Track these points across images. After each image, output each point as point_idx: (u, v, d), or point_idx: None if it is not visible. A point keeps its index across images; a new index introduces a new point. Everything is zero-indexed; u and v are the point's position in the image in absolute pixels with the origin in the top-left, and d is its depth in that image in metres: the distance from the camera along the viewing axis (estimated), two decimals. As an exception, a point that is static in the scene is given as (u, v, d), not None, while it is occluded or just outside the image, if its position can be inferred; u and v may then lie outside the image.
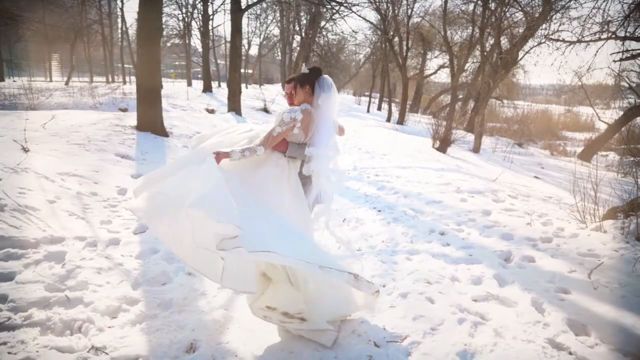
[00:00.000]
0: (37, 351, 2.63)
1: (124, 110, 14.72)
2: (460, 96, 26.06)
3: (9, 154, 5.64)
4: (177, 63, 51.98)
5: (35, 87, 17.96)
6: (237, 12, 14.75)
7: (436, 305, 3.33)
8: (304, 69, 3.01)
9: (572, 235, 4.76)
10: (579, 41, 7.99)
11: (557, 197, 7.22)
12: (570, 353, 2.78)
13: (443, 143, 12.42)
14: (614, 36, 7.18)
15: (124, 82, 31.49)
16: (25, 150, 5.93)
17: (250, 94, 27.27)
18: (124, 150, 7.14)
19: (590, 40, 7.82)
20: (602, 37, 7.48)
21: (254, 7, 27.72)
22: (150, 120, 8.74)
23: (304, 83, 2.93)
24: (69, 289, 3.33)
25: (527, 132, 21.09)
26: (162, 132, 8.88)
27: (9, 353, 2.58)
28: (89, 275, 3.54)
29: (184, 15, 30.89)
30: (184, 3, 29.94)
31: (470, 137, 15.89)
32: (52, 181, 5.18)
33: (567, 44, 8.31)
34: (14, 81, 25.28)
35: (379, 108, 33.42)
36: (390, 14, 22.25)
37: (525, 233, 4.84)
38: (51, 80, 31.04)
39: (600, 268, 3.88)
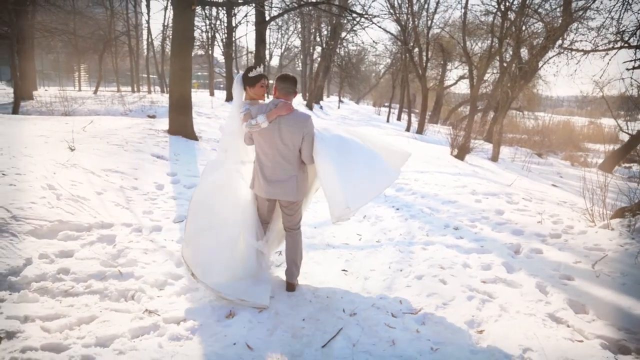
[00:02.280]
0: (100, 312, 3.07)
1: (153, 117, 15.36)
2: (480, 107, 26.17)
3: (58, 152, 6.18)
4: (199, 73, 53.07)
5: (68, 96, 18.82)
6: (261, 24, 15.36)
7: (448, 286, 3.68)
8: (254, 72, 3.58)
9: (580, 232, 5.04)
10: (594, 50, 8.23)
11: (572, 202, 7.43)
12: (568, 326, 3.10)
13: (461, 151, 12.69)
14: (626, 45, 7.43)
15: (149, 92, 32.49)
16: (72, 149, 6.47)
17: (271, 103, 27.82)
18: (158, 151, 7.65)
19: (605, 50, 8.06)
20: (616, 46, 7.74)
21: (275, 19, 28.42)
22: (181, 125, 9.26)
23: None
24: (120, 265, 3.78)
25: (547, 143, 21.11)
26: (192, 136, 9.39)
27: (77, 311, 3.03)
28: (137, 254, 4.00)
29: (208, 27, 31.77)
30: (207, 15, 30.80)
31: (489, 146, 16.09)
32: (98, 176, 5.69)
33: (582, 53, 8.55)
34: (46, 90, 26.43)
35: (399, 118, 33.76)
36: (410, 25, 22.63)
37: (535, 229, 5.14)
38: (80, 90, 32.20)
39: (604, 260, 4.16)
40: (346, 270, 4.15)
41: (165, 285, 3.57)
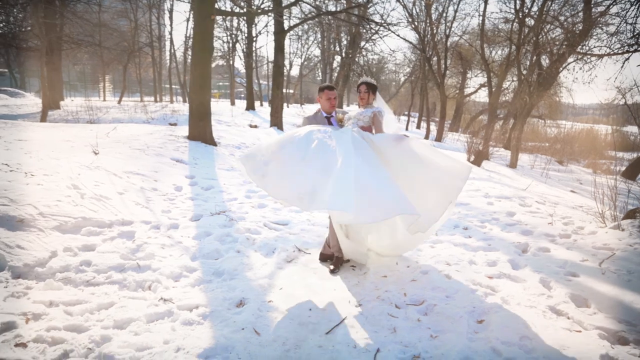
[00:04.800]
0: (119, 299, 3.27)
1: (174, 124, 15.79)
2: (501, 115, 25.95)
3: (83, 155, 6.49)
4: (220, 83, 54.04)
5: (93, 105, 19.46)
6: (280, 33, 15.63)
7: (453, 280, 3.78)
8: (367, 79, 4.12)
9: (590, 232, 5.06)
10: (609, 54, 8.23)
11: (588, 207, 7.39)
12: (568, 318, 3.16)
13: (478, 157, 12.68)
14: (640, 49, 7.43)
15: (171, 101, 33.24)
16: (96, 153, 6.77)
17: (291, 112, 28.26)
18: (178, 156, 7.92)
19: (620, 53, 8.05)
20: (631, 49, 7.74)
21: (295, 29, 28.91)
22: (201, 131, 9.54)
23: (375, 90, 4.12)
24: (139, 259, 3.99)
25: (569, 150, 20.84)
26: (211, 141, 9.66)
27: (97, 298, 3.23)
28: (154, 249, 4.20)
29: (229, 37, 32.42)
30: (228, 26, 31.45)
31: (508, 153, 16.00)
32: (120, 177, 5.96)
33: (597, 57, 8.54)
34: (72, 100, 27.35)
35: (418, 126, 33.73)
36: (428, 33, 22.71)
37: (545, 230, 5.18)
38: (104, 100, 33.13)
39: (612, 258, 4.19)
40: (354, 267, 4.27)
41: (180, 277, 3.75)
